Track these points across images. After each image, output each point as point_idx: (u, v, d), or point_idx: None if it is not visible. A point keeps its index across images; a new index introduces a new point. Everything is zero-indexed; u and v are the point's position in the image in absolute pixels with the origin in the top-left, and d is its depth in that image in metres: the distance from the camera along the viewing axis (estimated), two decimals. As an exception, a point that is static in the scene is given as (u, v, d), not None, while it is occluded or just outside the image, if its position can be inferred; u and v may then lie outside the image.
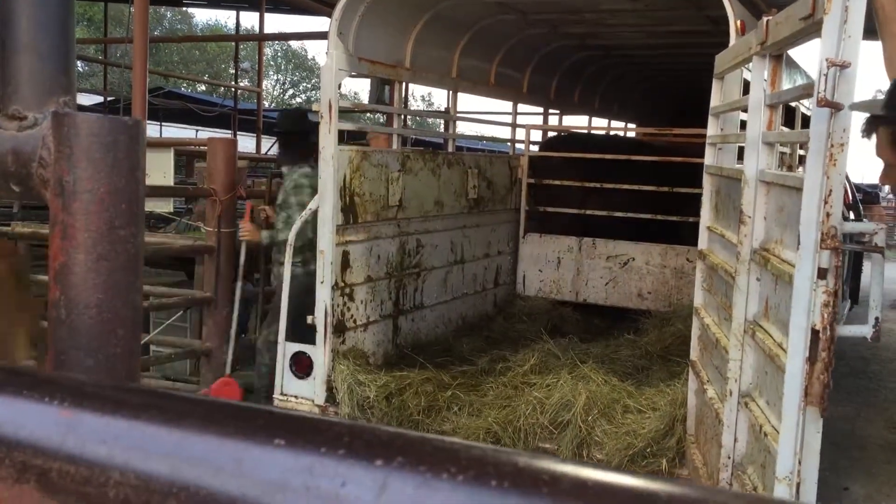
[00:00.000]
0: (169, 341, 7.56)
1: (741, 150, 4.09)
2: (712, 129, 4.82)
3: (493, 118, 10.85)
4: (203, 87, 33.51)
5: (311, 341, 5.44)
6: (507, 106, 8.78)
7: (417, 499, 0.43)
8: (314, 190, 5.72)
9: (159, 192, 7.12)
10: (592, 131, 11.00)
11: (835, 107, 2.56)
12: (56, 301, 0.96)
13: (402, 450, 0.45)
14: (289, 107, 16.18)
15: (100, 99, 16.47)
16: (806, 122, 6.89)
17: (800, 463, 2.77)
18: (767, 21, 3.41)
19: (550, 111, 10.00)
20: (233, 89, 17.95)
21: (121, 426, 0.52)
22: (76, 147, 0.96)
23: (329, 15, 5.99)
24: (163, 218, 8.80)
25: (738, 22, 4.70)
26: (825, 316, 2.66)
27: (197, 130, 19.23)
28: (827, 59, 2.54)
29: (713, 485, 3.72)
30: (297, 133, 6.49)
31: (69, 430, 0.52)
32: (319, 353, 5.40)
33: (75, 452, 0.52)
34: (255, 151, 15.30)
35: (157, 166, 7.06)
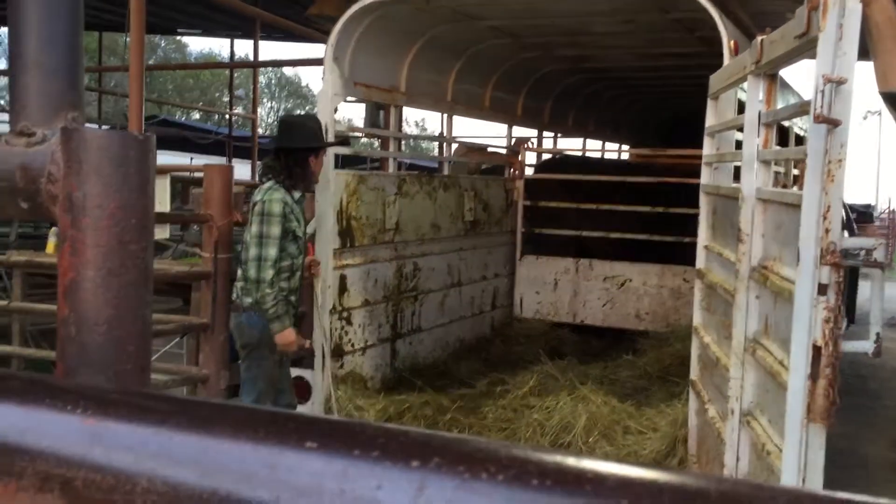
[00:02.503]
0: (165, 368, 7.50)
1: (737, 170, 4.09)
2: (708, 148, 4.83)
3: (488, 141, 10.86)
4: (197, 115, 33.66)
5: (310, 366, 5.40)
6: (502, 129, 8.83)
7: (456, 500, 0.42)
8: None
9: (156, 218, 7.11)
10: (587, 153, 11.06)
11: (832, 123, 2.56)
12: (65, 318, 0.95)
13: (438, 450, 0.44)
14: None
15: (94, 127, 16.48)
16: (800, 141, 6.95)
17: (804, 481, 2.75)
18: (762, 40, 3.43)
19: (545, 134, 10.04)
20: (227, 116, 18.01)
21: (147, 433, 0.51)
22: (86, 162, 0.95)
23: (322, 42, 6.01)
24: (159, 245, 8.78)
25: (732, 42, 4.73)
26: (826, 332, 2.65)
27: (192, 157, 19.24)
28: (823, 76, 2.54)
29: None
30: None
31: (94, 439, 0.51)
32: (318, 378, 5.36)
33: (101, 461, 0.50)
34: (249, 178, 15.30)
35: (153, 193, 7.05)
